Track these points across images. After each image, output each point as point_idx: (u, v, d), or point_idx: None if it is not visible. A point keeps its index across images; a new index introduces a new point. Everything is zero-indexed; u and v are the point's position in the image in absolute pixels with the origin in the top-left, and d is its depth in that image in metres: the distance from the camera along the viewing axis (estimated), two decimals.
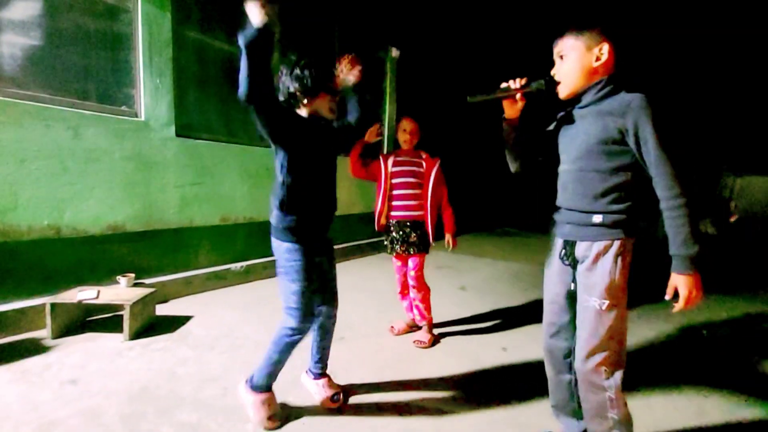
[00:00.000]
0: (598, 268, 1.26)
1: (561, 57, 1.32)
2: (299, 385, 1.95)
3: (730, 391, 2.13)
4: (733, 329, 3.12)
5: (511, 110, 1.44)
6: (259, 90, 1.32)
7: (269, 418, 1.63)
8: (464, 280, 4.25)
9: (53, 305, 2.33)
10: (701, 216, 9.35)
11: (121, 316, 2.41)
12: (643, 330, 2.95)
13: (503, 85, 1.40)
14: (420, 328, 2.64)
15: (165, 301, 3.05)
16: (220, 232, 3.62)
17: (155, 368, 2.07)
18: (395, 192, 2.52)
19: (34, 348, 2.23)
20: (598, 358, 1.28)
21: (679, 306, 1.21)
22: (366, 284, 3.88)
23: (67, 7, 2.64)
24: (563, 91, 1.35)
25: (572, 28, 1.30)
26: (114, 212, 2.85)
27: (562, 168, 1.39)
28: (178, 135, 3.23)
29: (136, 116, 3.00)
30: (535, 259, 5.49)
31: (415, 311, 2.60)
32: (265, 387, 1.66)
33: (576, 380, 1.43)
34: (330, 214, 1.73)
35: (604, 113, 1.24)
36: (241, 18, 1.26)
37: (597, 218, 1.27)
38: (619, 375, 1.28)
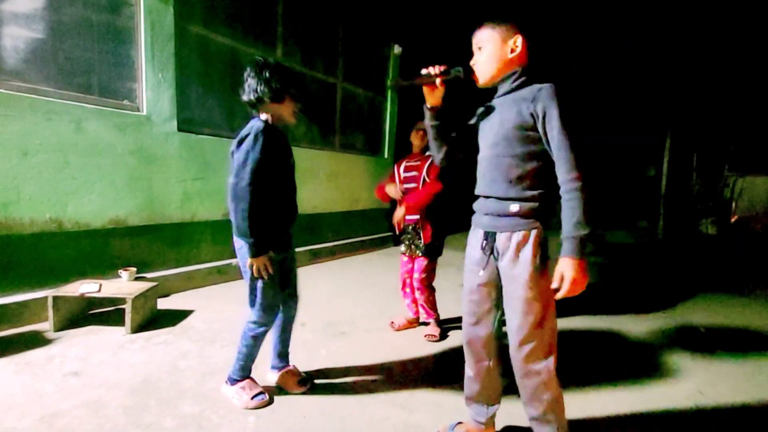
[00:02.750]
0: (520, 259, 1.30)
1: (479, 48, 1.39)
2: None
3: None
4: (730, 328, 3.12)
5: (433, 98, 1.47)
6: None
7: (252, 398, 1.72)
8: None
9: (56, 298, 2.34)
10: (703, 216, 9.35)
11: (123, 309, 2.42)
12: (640, 327, 2.96)
13: (423, 71, 1.44)
14: (426, 323, 2.71)
15: (167, 295, 3.06)
16: (221, 227, 3.63)
17: (157, 361, 2.08)
18: (406, 197, 2.57)
19: (37, 340, 2.24)
20: (530, 345, 1.32)
21: (562, 292, 1.20)
22: (368, 280, 3.88)
23: (70, 1, 2.64)
24: (481, 79, 1.41)
25: (489, 22, 1.38)
26: (116, 206, 2.86)
27: (481, 155, 1.44)
28: (180, 129, 3.23)
29: (139, 110, 3.00)
30: None
31: (421, 310, 2.68)
32: (241, 377, 1.76)
33: (493, 365, 1.49)
34: (292, 215, 1.78)
35: (518, 100, 1.31)
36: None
37: (514, 207, 1.30)
38: (551, 359, 1.34)
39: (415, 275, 2.58)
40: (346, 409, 1.77)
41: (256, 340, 1.72)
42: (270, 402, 1.76)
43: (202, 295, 3.15)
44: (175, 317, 2.67)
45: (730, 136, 9.29)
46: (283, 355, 1.93)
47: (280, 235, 1.71)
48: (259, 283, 1.63)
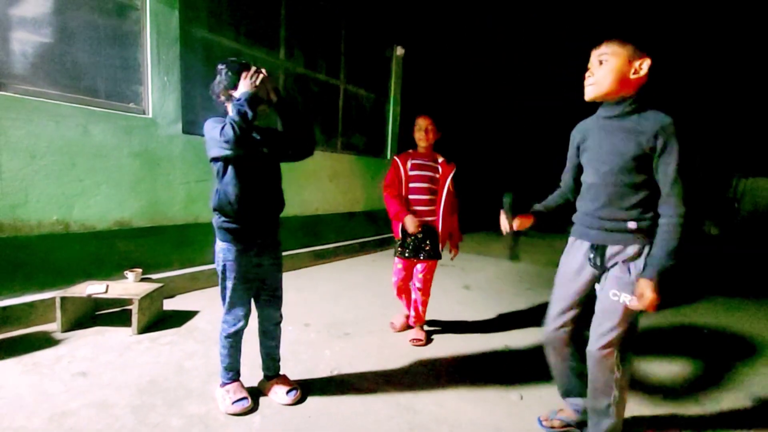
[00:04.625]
0: (631, 268, 1.37)
1: (600, 61, 1.35)
2: (314, 373, 1.98)
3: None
4: (730, 330, 3.12)
5: (526, 225, 1.66)
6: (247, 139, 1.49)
7: (233, 403, 1.70)
8: (469, 279, 4.26)
9: (63, 299, 2.36)
10: (707, 216, 9.31)
11: (130, 310, 2.44)
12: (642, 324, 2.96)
13: (505, 232, 1.64)
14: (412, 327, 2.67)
15: (172, 296, 3.08)
16: None
17: (163, 361, 2.10)
18: (411, 197, 2.46)
19: (45, 341, 2.26)
20: (614, 344, 1.40)
21: (640, 306, 1.32)
22: (371, 282, 3.90)
23: (77, 5, 2.67)
24: (592, 93, 1.39)
25: (619, 36, 1.34)
26: (121, 208, 2.88)
27: (592, 180, 1.47)
28: (184, 132, 3.25)
29: (144, 113, 3.02)
30: (539, 259, 5.49)
31: (412, 312, 2.62)
32: (229, 380, 1.77)
33: (578, 364, 1.58)
34: (270, 216, 1.71)
35: (636, 131, 1.31)
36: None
37: (631, 225, 1.37)
38: (627, 364, 1.43)
39: (419, 276, 2.53)
40: (350, 410, 1.78)
41: (229, 340, 1.71)
42: (254, 408, 1.73)
43: (207, 296, 3.17)
44: (180, 318, 2.69)
45: (734, 138, 9.26)
46: (270, 365, 1.87)
47: (254, 236, 1.65)
48: (228, 283, 1.64)
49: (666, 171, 1.28)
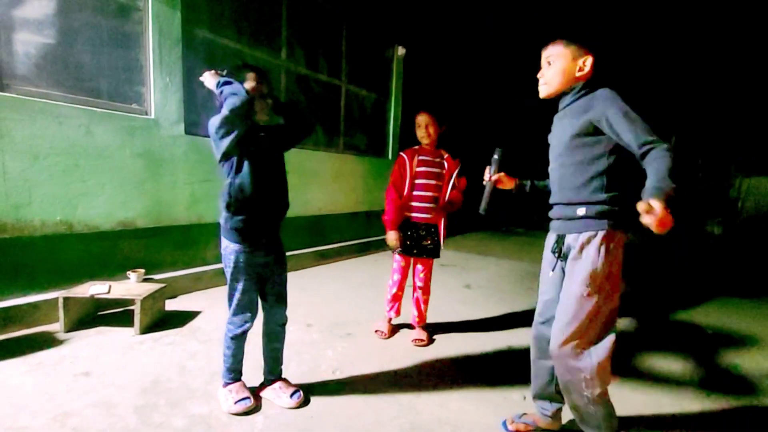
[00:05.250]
0: (582, 257, 1.34)
1: (549, 62, 1.43)
2: (316, 374, 1.98)
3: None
4: (734, 330, 3.11)
5: (508, 185, 1.72)
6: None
7: (235, 403, 1.70)
8: (470, 278, 4.26)
9: (66, 299, 2.37)
10: (709, 216, 9.28)
11: (132, 310, 2.45)
12: (645, 327, 2.95)
13: (485, 181, 1.69)
14: (410, 326, 2.65)
15: (174, 297, 3.09)
16: None
17: (166, 362, 2.11)
18: (416, 192, 2.44)
19: (48, 341, 2.27)
20: (574, 343, 1.35)
21: (651, 222, 1.05)
22: (374, 281, 3.90)
23: (79, 6, 2.68)
24: (544, 92, 1.47)
25: (562, 38, 1.41)
26: (124, 208, 2.89)
27: (550, 167, 1.52)
28: (187, 133, 3.26)
29: (147, 114, 3.03)
30: (540, 258, 5.47)
31: (415, 312, 2.60)
32: (231, 380, 1.77)
33: (552, 365, 1.53)
34: (278, 213, 1.73)
35: (577, 111, 1.37)
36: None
37: (581, 210, 1.36)
38: (595, 355, 1.34)
39: (421, 275, 2.53)
40: (353, 410, 1.78)
41: (235, 341, 1.72)
42: (256, 408, 1.74)
43: (209, 297, 3.18)
44: (183, 318, 2.69)
45: (736, 137, 9.22)
46: (273, 367, 1.86)
47: (262, 236, 1.67)
48: (237, 285, 1.66)
49: (625, 133, 1.21)
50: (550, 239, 1.52)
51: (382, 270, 4.40)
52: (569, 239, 1.39)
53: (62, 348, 2.20)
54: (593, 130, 1.31)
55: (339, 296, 3.40)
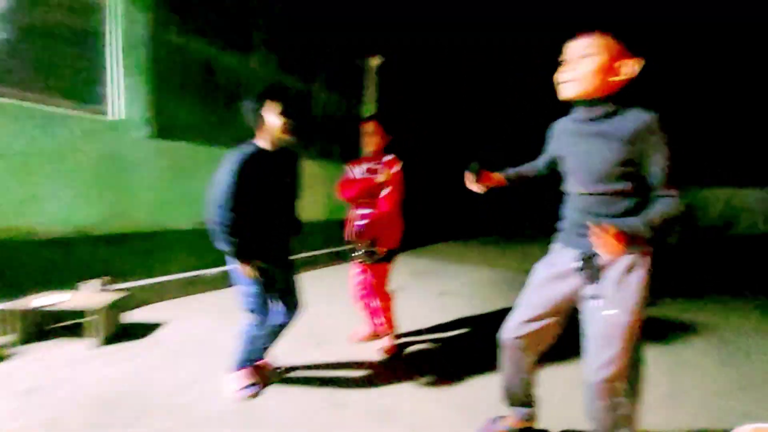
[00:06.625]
0: (626, 282, 1.24)
1: (583, 56, 1.21)
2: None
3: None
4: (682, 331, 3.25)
5: (494, 182, 1.64)
6: None
7: (240, 390, 1.83)
8: (444, 286, 4.28)
9: (15, 312, 2.21)
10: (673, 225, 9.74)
11: (89, 322, 2.31)
12: None
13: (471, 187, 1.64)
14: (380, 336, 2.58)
15: (136, 307, 2.94)
16: (196, 236, 3.53)
17: (125, 375, 1.99)
18: (359, 200, 2.39)
19: None
20: (621, 374, 1.25)
21: (599, 242, 1.14)
22: (344, 290, 3.84)
23: (37, 3, 2.55)
24: (569, 91, 1.26)
25: (607, 32, 1.21)
26: (82, 214, 2.74)
27: (576, 189, 1.35)
28: (154, 136, 3.15)
29: (109, 115, 2.91)
30: (512, 265, 5.58)
31: (377, 320, 2.52)
32: (240, 368, 1.89)
33: (530, 377, 1.52)
34: (280, 233, 1.89)
35: (615, 136, 1.20)
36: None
37: None
38: (631, 392, 1.28)
39: (373, 281, 2.41)
40: (323, 420, 1.73)
41: (255, 339, 1.85)
42: (256, 395, 1.85)
43: (174, 307, 3.04)
44: (144, 330, 2.56)
45: (690, 150, 9.79)
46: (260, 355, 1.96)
47: (261, 248, 1.76)
48: (245, 290, 1.80)
49: (655, 168, 1.19)
50: (566, 254, 1.38)
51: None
52: (605, 260, 1.26)
53: (10, 363, 2.04)
54: (638, 160, 1.20)
55: (313, 305, 3.32)
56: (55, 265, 2.63)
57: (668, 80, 9.25)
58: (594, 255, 1.28)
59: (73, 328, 2.52)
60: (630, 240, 1.14)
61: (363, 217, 2.38)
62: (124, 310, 2.57)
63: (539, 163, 1.64)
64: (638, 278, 1.24)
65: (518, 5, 7.51)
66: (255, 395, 1.85)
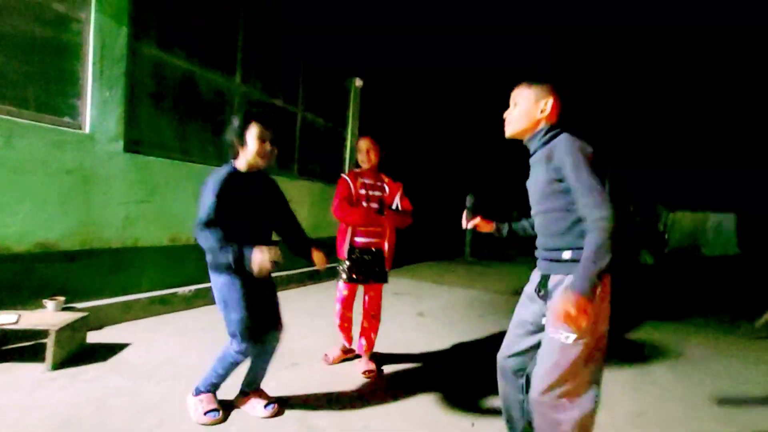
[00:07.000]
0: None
1: (515, 104, 1.46)
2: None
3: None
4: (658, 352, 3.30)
5: (486, 229, 1.71)
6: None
7: (205, 413, 1.73)
8: (423, 306, 4.24)
9: None
10: (641, 247, 10.07)
11: (45, 343, 2.16)
12: None
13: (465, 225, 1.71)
14: (358, 356, 2.53)
15: (100, 328, 2.78)
16: (167, 254, 3.41)
17: (82, 400, 1.85)
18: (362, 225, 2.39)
19: None
20: (557, 391, 1.26)
21: (563, 324, 1.20)
22: (321, 310, 3.76)
23: (10, 11, 2.50)
24: (508, 132, 1.50)
25: (526, 81, 1.45)
26: (45, 229, 2.61)
27: (532, 212, 1.51)
28: (126, 150, 3.07)
29: (80, 128, 2.82)
30: (491, 287, 5.60)
31: (363, 341, 2.48)
32: (206, 391, 1.80)
33: (524, 399, 1.48)
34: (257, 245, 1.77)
35: (543, 157, 1.36)
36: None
37: (566, 254, 1.32)
38: (578, 408, 1.26)
39: (373, 302, 2.47)
40: None
41: (235, 366, 1.76)
42: (223, 420, 1.76)
43: (142, 328, 2.89)
44: (107, 351, 2.42)
45: (661, 175, 10.24)
46: (251, 383, 1.89)
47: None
48: (233, 315, 1.68)
49: (574, 185, 1.24)
50: (535, 276, 1.47)
51: (331, 299, 4.25)
52: (554, 280, 1.33)
53: None
54: (560, 178, 1.30)
55: (286, 325, 3.23)
56: (9, 282, 2.47)
57: (642, 107, 9.75)
58: (547, 276, 1.37)
59: (27, 350, 2.36)
60: (589, 296, 1.16)
61: (369, 234, 2.40)
62: (85, 331, 2.42)
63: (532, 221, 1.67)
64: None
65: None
66: (219, 421, 1.75)
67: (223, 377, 1.79)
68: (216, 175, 1.66)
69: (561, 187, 1.31)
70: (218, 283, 1.69)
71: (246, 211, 1.71)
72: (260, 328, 1.76)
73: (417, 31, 7.42)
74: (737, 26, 8.07)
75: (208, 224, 1.57)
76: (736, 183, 10.02)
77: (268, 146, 1.73)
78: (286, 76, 5.01)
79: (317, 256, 1.92)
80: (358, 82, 6.21)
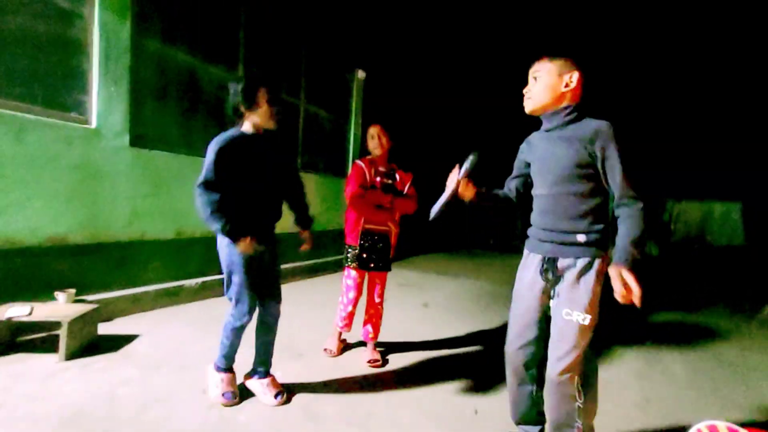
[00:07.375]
0: (582, 284, 1.32)
1: (535, 78, 1.42)
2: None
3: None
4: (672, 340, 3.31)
5: (468, 194, 1.52)
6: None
7: (222, 395, 1.81)
8: (428, 297, 4.27)
9: None
10: (648, 238, 10.00)
11: (58, 335, 2.21)
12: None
13: (449, 182, 1.51)
14: (363, 344, 2.58)
15: (110, 319, 2.84)
16: (174, 247, 3.46)
17: (93, 390, 1.90)
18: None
19: None
20: (574, 369, 1.33)
21: (623, 301, 1.23)
22: (328, 301, 3.80)
23: (14, 8, 2.52)
24: (529, 106, 1.45)
25: (547, 55, 1.41)
26: (55, 223, 2.66)
27: (540, 192, 1.47)
28: (132, 145, 3.10)
29: (88, 123, 2.86)
30: (496, 277, 5.61)
31: (370, 328, 2.52)
32: (224, 368, 1.86)
33: (537, 390, 1.50)
34: (269, 217, 1.86)
35: (574, 139, 1.33)
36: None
37: (581, 237, 1.34)
38: (588, 383, 1.35)
39: (380, 290, 2.51)
40: (303, 429, 1.69)
41: (236, 332, 1.80)
42: (236, 404, 1.83)
43: (150, 319, 2.95)
44: (117, 342, 2.47)
45: (667, 164, 10.12)
46: (264, 359, 1.94)
47: (251, 227, 1.71)
48: (234, 278, 1.74)
49: (614, 177, 1.28)
50: (534, 259, 1.45)
51: (337, 291, 4.31)
52: (564, 263, 1.35)
53: None
54: (593, 163, 1.31)
55: (292, 317, 3.27)
56: (22, 276, 2.53)
57: (648, 96, 9.60)
58: (554, 259, 1.38)
59: (40, 341, 2.42)
60: (633, 268, 1.23)
61: (380, 221, 2.42)
62: (95, 322, 2.48)
63: (511, 187, 1.65)
64: (591, 280, 1.32)
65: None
66: (232, 404, 1.82)
67: (230, 347, 1.83)
68: (220, 136, 1.68)
69: (589, 173, 1.32)
70: (222, 244, 1.74)
71: (253, 174, 1.73)
72: (259, 293, 1.82)
73: (420, 21, 7.34)
74: (742, 23, 7.90)
75: (207, 185, 1.61)
76: (741, 177, 9.89)
77: (275, 107, 1.76)
78: (288, 67, 5.00)
79: (305, 238, 2.06)
80: (361, 74, 6.18)
